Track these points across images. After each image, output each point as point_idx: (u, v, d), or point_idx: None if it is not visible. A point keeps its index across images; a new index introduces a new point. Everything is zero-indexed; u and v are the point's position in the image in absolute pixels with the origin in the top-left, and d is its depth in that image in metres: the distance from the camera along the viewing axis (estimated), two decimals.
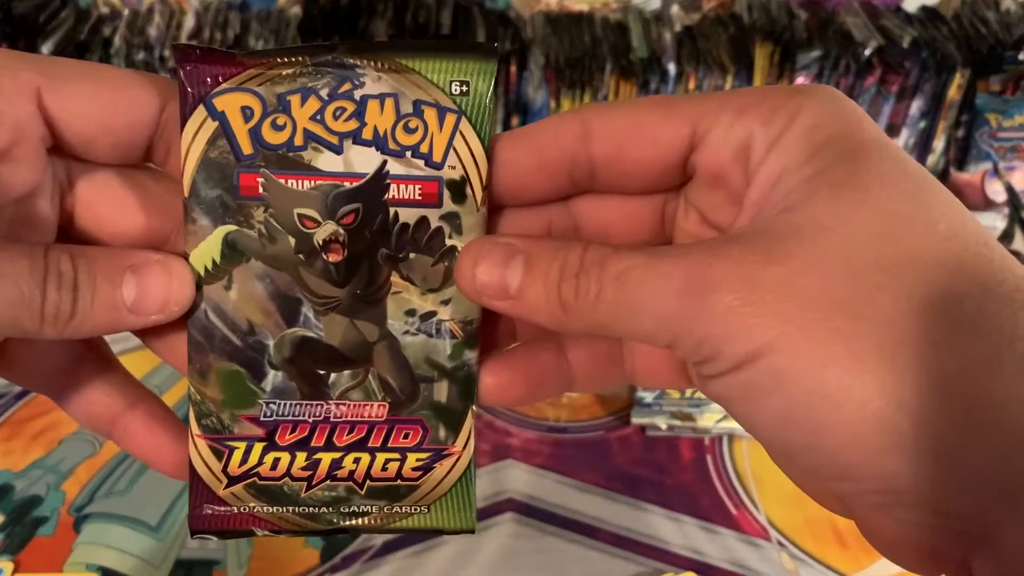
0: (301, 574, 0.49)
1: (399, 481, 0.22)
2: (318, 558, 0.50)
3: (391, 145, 0.20)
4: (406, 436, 0.22)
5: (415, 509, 0.22)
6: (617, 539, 0.51)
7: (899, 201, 0.16)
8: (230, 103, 0.19)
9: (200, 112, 0.19)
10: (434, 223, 0.21)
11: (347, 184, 0.20)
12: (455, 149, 0.20)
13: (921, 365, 0.15)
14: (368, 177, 0.20)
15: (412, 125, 0.20)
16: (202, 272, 0.20)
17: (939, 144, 0.75)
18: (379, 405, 0.22)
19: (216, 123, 0.19)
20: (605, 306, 0.18)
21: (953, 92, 0.72)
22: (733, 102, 0.18)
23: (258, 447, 0.22)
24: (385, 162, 0.20)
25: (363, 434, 0.22)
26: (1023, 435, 0.15)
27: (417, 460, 0.22)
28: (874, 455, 0.15)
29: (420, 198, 0.20)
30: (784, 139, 0.17)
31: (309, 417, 0.22)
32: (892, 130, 0.74)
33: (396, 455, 0.22)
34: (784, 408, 0.16)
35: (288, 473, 0.22)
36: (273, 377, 0.21)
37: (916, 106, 0.73)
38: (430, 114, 0.20)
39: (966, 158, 0.75)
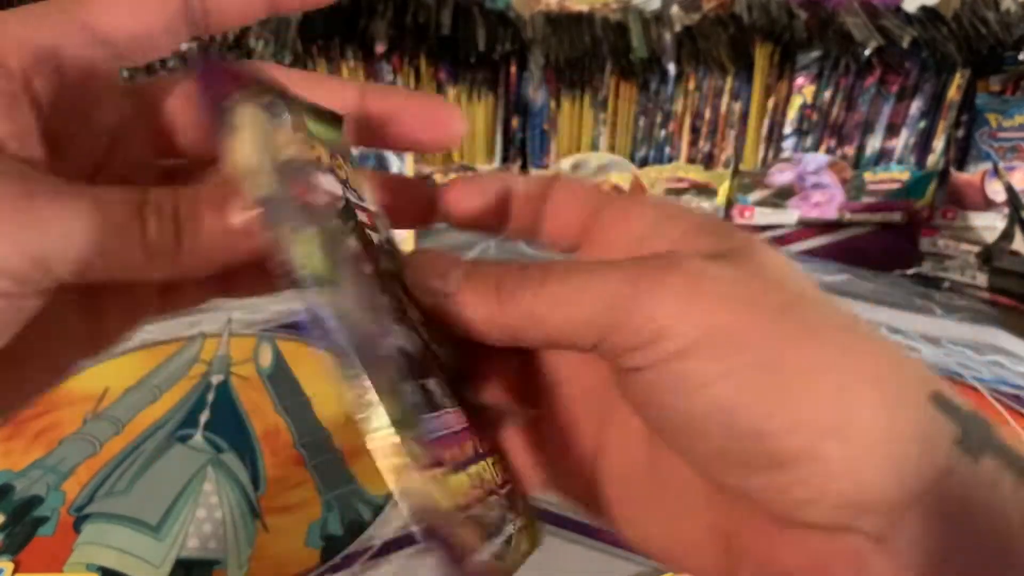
0: (301, 574, 0.49)
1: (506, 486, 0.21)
2: (318, 558, 0.50)
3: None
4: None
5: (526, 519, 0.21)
6: (618, 539, 0.51)
7: (786, 261, 0.19)
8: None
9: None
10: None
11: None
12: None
13: (853, 363, 0.17)
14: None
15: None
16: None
17: (939, 144, 0.75)
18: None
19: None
20: (549, 297, 0.18)
21: (953, 92, 0.72)
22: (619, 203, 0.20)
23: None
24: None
25: (469, 439, 0.20)
26: (925, 416, 0.17)
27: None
28: (813, 439, 0.16)
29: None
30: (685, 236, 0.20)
31: (453, 427, 0.19)
32: (892, 130, 0.74)
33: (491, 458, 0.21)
34: (721, 396, 0.17)
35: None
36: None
37: (916, 106, 0.73)
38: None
39: (966, 158, 0.75)
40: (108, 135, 0.20)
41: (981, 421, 0.17)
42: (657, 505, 0.21)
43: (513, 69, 0.72)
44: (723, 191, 0.77)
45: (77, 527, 0.51)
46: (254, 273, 0.19)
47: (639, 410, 0.19)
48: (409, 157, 0.75)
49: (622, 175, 0.76)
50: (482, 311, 0.19)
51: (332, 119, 0.21)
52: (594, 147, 0.76)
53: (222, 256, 0.18)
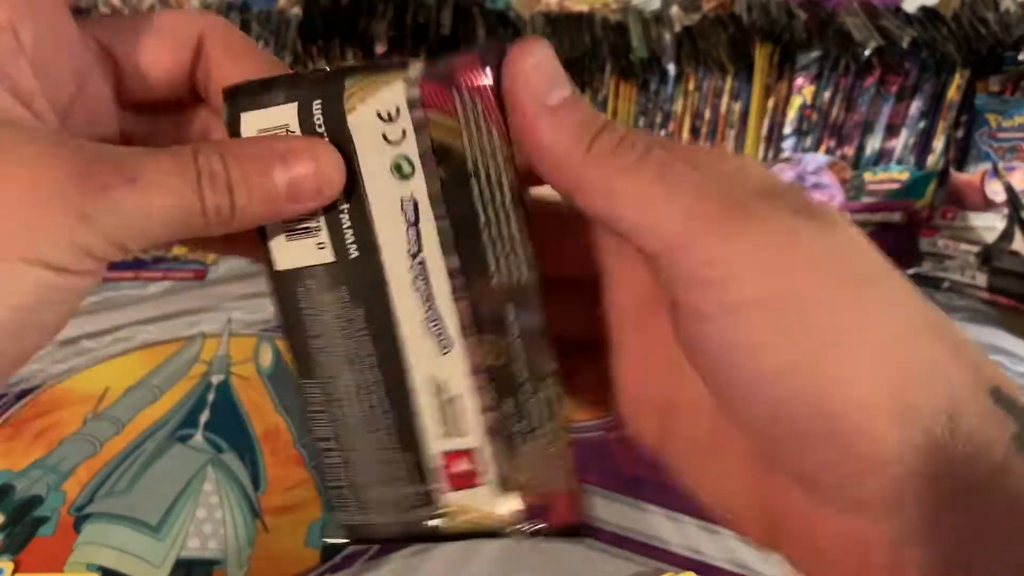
0: (302, 574, 0.49)
1: None
2: (318, 558, 0.50)
3: None
4: None
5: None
6: (617, 539, 0.51)
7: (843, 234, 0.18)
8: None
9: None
10: None
11: None
12: None
13: (918, 348, 0.17)
14: None
15: None
16: None
17: (939, 144, 0.76)
18: None
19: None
20: (634, 177, 0.17)
21: (952, 92, 0.73)
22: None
23: None
24: None
25: None
26: (985, 409, 0.16)
27: None
28: (870, 420, 0.16)
29: None
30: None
31: None
32: (892, 130, 0.74)
33: None
34: (791, 359, 0.16)
35: None
36: None
37: (916, 106, 0.73)
38: None
39: (966, 158, 0.76)
40: (75, 80, 0.20)
41: None
42: (713, 467, 0.21)
43: None
44: None
45: (77, 527, 0.51)
46: None
47: (695, 363, 0.19)
48: None
49: None
50: (562, 155, 0.18)
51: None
52: None
53: (269, 214, 0.19)
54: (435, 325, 0.20)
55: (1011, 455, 0.16)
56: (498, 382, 0.20)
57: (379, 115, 0.19)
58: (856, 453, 0.17)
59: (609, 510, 0.53)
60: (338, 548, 0.50)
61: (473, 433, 0.21)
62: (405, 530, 0.22)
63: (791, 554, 0.19)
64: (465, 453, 0.21)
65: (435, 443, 0.21)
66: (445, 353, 0.20)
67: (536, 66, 0.18)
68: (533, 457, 0.21)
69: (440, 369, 0.21)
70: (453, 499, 0.21)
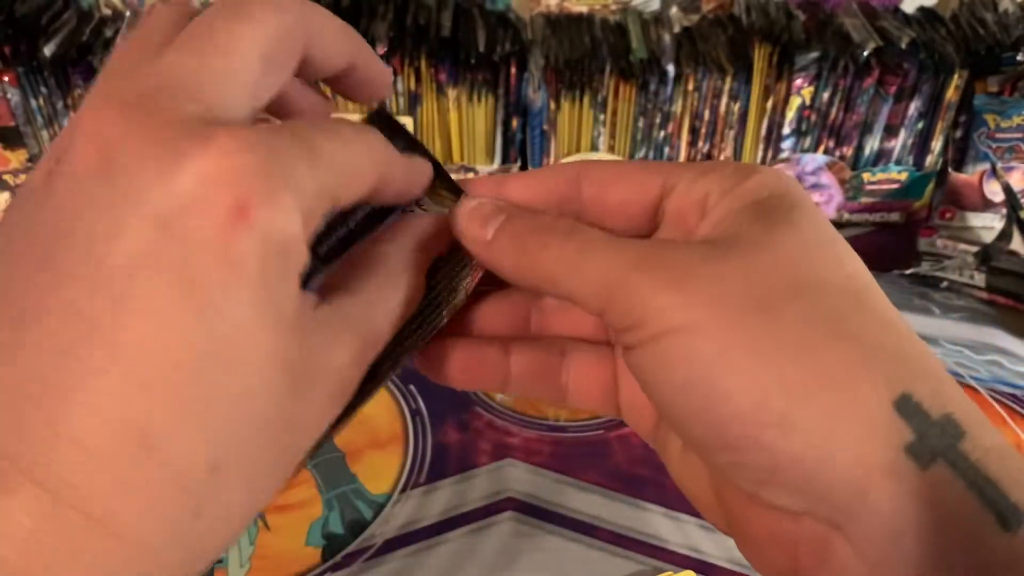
0: (302, 573, 0.49)
1: None
2: (319, 557, 0.50)
3: None
4: None
5: None
6: (616, 537, 0.52)
7: (817, 242, 0.20)
8: None
9: None
10: None
11: None
12: None
13: (808, 361, 0.18)
14: None
15: None
16: None
17: (937, 145, 0.76)
18: None
19: None
20: (562, 262, 0.20)
21: (951, 93, 0.73)
22: (698, 166, 0.22)
23: None
24: None
25: None
26: (879, 418, 0.17)
27: None
28: (756, 429, 0.18)
29: None
30: (734, 192, 0.21)
31: None
32: (890, 131, 0.75)
33: None
34: (687, 379, 0.19)
35: None
36: None
37: (914, 107, 0.73)
38: None
39: (964, 159, 0.76)
40: None
41: (950, 429, 0.17)
42: (679, 460, 0.23)
43: (513, 70, 0.72)
44: None
45: None
46: None
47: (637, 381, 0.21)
48: None
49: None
50: (508, 262, 0.22)
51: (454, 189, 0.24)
52: (594, 148, 0.76)
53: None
54: None
55: (900, 463, 0.17)
56: None
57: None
58: (751, 461, 0.18)
59: (608, 509, 0.53)
60: (339, 547, 0.51)
61: None
62: None
63: (740, 548, 0.21)
64: None
65: None
66: None
67: (469, 215, 0.22)
68: None
69: None
70: None
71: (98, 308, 0.15)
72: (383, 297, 0.21)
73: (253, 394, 0.17)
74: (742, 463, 0.19)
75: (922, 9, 0.80)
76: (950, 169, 0.76)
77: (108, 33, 0.74)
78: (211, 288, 0.16)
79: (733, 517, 0.21)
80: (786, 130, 0.75)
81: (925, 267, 0.72)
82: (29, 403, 0.15)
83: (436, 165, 0.24)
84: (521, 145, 0.77)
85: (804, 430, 0.17)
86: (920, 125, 0.75)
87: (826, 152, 0.76)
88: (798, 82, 0.72)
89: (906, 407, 0.17)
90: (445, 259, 0.24)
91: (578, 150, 0.76)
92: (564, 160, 0.76)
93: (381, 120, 0.24)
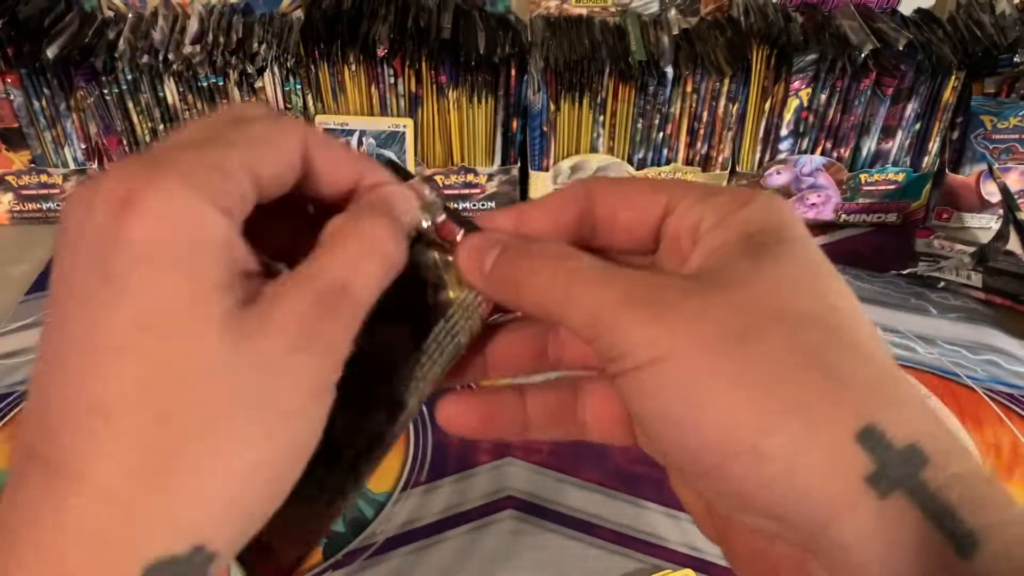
0: (304, 571, 0.50)
1: None
2: (320, 555, 0.51)
3: None
4: None
5: None
6: (616, 536, 0.52)
7: (800, 276, 0.20)
8: None
9: None
10: None
11: None
12: None
13: (778, 393, 0.18)
14: None
15: None
16: None
17: (934, 146, 0.76)
18: None
19: None
20: (554, 291, 0.21)
21: (948, 94, 0.73)
22: (700, 190, 0.22)
23: None
24: None
25: None
26: (842, 449, 0.18)
27: None
28: (726, 459, 0.19)
29: None
30: (726, 222, 0.21)
31: None
32: (888, 132, 0.75)
33: None
34: (663, 409, 0.20)
35: None
36: None
37: (911, 108, 0.74)
38: None
39: (961, 160, 0.76)
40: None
41: (913, 458, 0.18)
42: (676, 474, 0.24)
43: (513, 72, 0.73)
44: None
45: None
46: None
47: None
48: (410, 160, 0.75)
49: (620, 177, 0.76)
50: (504, 294, 0.23)
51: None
52: (593, 149, 0.76)
53: None
54: None
55: (861, 493, 0.18)
56: (326, 450, 0.22)
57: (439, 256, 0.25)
58: (723, 488, 0.20)
59: (607, 507, 0.53)
60: (340, 545, 0.51)
61: None
62: None
63: (728, 561, 0.22)
64: None
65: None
66: None
67: (468, 250, 0.24)
68: (296, 512, 0.22)
69: None
70: None
71: (67, 312, 0.18)
72: (334, 252, 0.21)
73: (195, 353, 0.18)
74: (716, 489, 0.20)
75: (919, 11, 0.80)
76: (947, 170, 0.77)
77: (110, 35, 0.74)
78: (119, 270, 0.18)
79: (720, 533, 0.22)
80: (784, 131, 0.76)
81: (922, 267, 0.73)
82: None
83: (448, 210, 0.25)
84: (521, 146, 0.77)
85: (771, 460, 0.18)
86: (917, 126, 0.75)
87: (824, 153, 0.77)
88: (796, 84, 0.73)
89: (869, 438, 0.18)
90: (459, 288, 0.24)
91: (577, 151, 0.76)
92: (563, 162, 0.76)
93: (390, 166, 0.24)
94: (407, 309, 0.24)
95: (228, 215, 0.19)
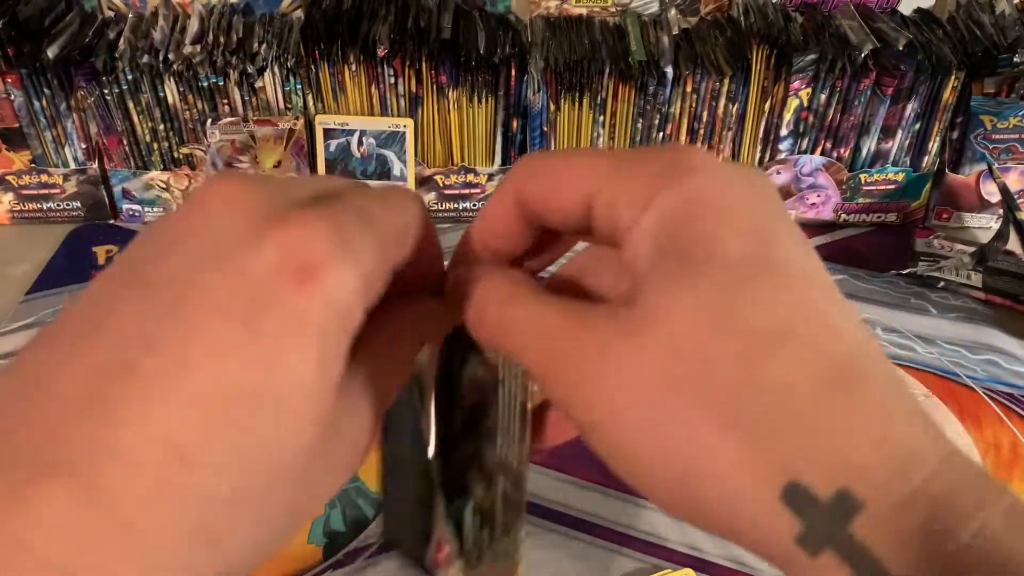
0: (304, 570, 0.50)
1: None
2: (321, 554, 0.51)
3: None
4: None
5: None
6: (615, 535, 0.52)
7: (722, 291, 0.18)
8: None
9: None
10: None
11: None
12: None
13: (702, 457, 0.18)
14: None
15: None
16: None
17: (934, 146, 0.76)
18: None
19: None
20: (500, 336, 0.22)
21: (948, 94, 0.73)
22: (615, 176, 0.21)
23: None
24: None
25: None
26: (769, 512, 0.18)
27: None
28: (674, 512, 0.19)
29: None
30: (638, 227, 0.20)
31: None
32: (888, 132, 0.75)
33: None
34: (613, 462, 0.20)
35: None
36: None
37: (911, 108, 0.74)
38: None
39: (961, 159, 0.76)
40: None
41: (840, 509, 0.17)
42: None
43: (513, 72, 0.73)
44: None
45: None
46: None
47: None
48: (410, 160, 0.75)
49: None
50: (472, 323, 0.23)
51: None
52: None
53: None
54: None
55: (791, 555, 0.18)
56: (483, 516, 0.27)
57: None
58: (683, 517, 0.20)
59: (607, 506, 0.54)
60: (340, 545, 0.51)
61: (460, 537, 0.27)
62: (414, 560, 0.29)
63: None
64: (448, 545, 0.27)
65: (437, 530, 0.27)
66: None
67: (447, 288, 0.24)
68: (489, 572, 0.27)
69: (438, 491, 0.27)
70: (435, 567, 0.28)
71: (166, 333, 0.17)
72: (395, 358, 0.22)
73: (287, 442, 0.18)
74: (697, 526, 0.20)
75: (919, 11, 0.80)
76: (947, 170, 0.77)
77: (111, 35, 0.74)
78: (274, 339, 0.17)
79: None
80: (784, 131, 0.76)
81: (922, 267, 0.73)
82: (75, 411, 0.16)
83: None
84: (521, 146, 0.77)
85: (712, 517, 0.19)
86: (917, 126, 0.75)
87: (823, 153, 0.77)
88: (796, 84, 0.73)
89: (793, 496, 0.17)
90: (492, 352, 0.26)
91: None
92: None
93: None
94: (473, 399, 0.26)
95: (365, 313, 0.19)
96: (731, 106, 0.74)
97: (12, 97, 0.72)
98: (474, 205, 0.78)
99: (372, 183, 0.23)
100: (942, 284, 0.72)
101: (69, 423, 0.16)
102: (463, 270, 0.23)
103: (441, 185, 0.77)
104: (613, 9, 0.85)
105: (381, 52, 0.71)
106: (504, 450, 0.26)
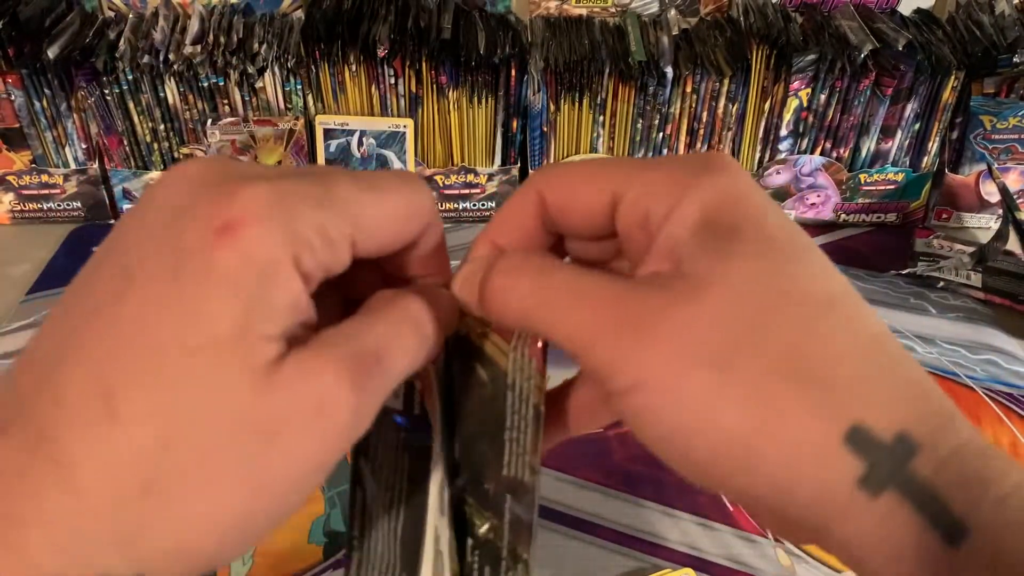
0: (304, 570, 0.50)
1: None
2: (321, 554, 0.51)
3: None
4: None
5: None
6: (616, 535, 0.52)
7: (767, 266, 0.20)
8: None
9: None
10: None
11: None
12: None
13: (761, 410, 0.18)
14: None
15: None
16: None
17: (934, 146, 0.76)
18: None
19: None
20: (534, 310, 0.21)
21: (947, 95, 0.73)
22: (642, 174, 0.22)
23: None
24: None
25: None
26: (831, 456, 0.18)
27: None
28: (724, 477, 0.19)
29: None
30: (677, 213, 0.20)
31: None
32: (887, 132, 0.75)
33: None
34: (653, 431, 0.20)
35: None
36: None
37: (911, 108, 0.74)
38: None
39: (960, 160, 0.76)
40: None
41: (901, 450, 0.18)
42: None
43: (513, 72, 0.73)
44: None
45: None
46: None
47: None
48: (411, 160, 0.76)
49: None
50: (501, 319, 0.23)
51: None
52: (592, 149, 0.77)
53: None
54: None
55: (851, 498, 0.18)
56: (484, 551, 0.24)
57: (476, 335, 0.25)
58: (734, 498, 0.20)
59: (607, 506, 0.54)
60: (340, 544, 0.51)
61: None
62: None
63: None
64: None
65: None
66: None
67: (458, 284, 0.24)
68: None
69: (444, 526, 0.25)
70: None
71: (109, 296, 0.18)
72: (375, 322, 0.21)
73: (218, 388, 0.18)
74: (724, 493, 0.20)
75: (919, 11, 0.81)
76: (946, 170, 0.77)
77: (111, 35, 0.75)
78: (194, 289, 0.18)
79: None
80: (783, 131, 0.76)
81: (921, 267, 0.73)
82: (38, 372, 0.18)
83: None
84: (521, 146, 0.77)
85: (765, 475, 0.19)
86: (917, 126, 0.75)
87: (823, 153, 0.77)
88: (795, 84, 0.73)
89: (856, 439, 0.18)
90: (504, 355, 0.25)
91: (577, 151, 0.77)
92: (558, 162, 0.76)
93: None
94: (479, 402, 0.25)
95: (307, 280, 0.19)
96: (731, 106, 0.74)
97: (12, 97, 0.72)
98: (474, 205, 0.78)
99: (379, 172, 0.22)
100: (942, 284, 0.72)
101: (31, 383, 0.18)
102: (480, 257, 0.23)
103: (441, 185, 0.77)
104: (613, 9, 0.85)
105: (381, 52, 0.71)
106: (514, 465, 0.24)
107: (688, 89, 0.73)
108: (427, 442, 0.25)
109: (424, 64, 0.72)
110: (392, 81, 0.73)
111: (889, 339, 0.20)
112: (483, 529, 0.24)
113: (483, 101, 0.73)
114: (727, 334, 0.19)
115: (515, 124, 0.75)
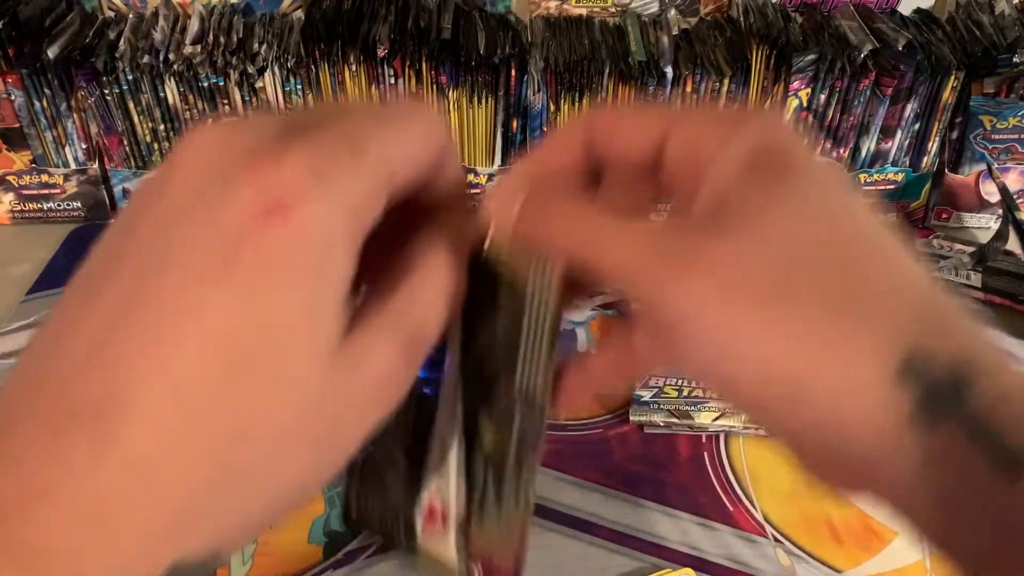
0: (304, 570, 0.50)
1: None
2: (321, 554, 0.51)
3: None
4: None
5: None
6: (615, 535, 0.52)
7: (817, 201, 0.20)
8: None
9: None
10: None
11: None
12: None
13: (813, 339, 0.18)
14: None
15: None
16: None
17: (933, 146, 0.76)
18: None
19: None
20: (580, 240, 0.21)
21: (947, 95, 0.73)
22: (691, 118, 0.22)
23: None
24: None
25: None
26: (884, 387, 0.18)
27: None
28: (771, 408, 0.19)
29: None
30: (726, 151, 0.20)
31: None
32: (887, 132, 0.75)
33: None
34: (701, 360, 0.20)
35: None
36: None
37: (911, 108, 0.74)
38: None
39: (960, 160, 0.76)
40: None
41: (957, 381, 0.18)
42: None
43: (513, 72, 0.73)
44: None
45: None
46: None
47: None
48: None
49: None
50: (538, 242, 0.23)
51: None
52: None
53: None
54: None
55: (904, 432, 0.18)
56: (489, 467, 0.24)
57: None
58: (780, 434, 0.20)
59: (607, 507, 0.54)
60: (340, 544, 0.51)
61: (455, 498, 0.25)
62: (388, 538, 0.26)
63: None
64: (442, 508, 0.25)
65: (426, 491, 0.25)
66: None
67: (495, 202, 0.23)
68: (495, 532, 0.25)
69: (452, 435, 0.24)
70: (425, 535, 0.25)
71: (153, 289, 0.17)
72: (422, 291, 0.21)
73: (284, 376, 0.17)
74: (762, 425, 0.20)
75: (919, 11, 0.81)
76: (946, 170, 0.77)
77: (111, 35, 0.75)
78: (251, 278, 0.17)
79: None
80: None
81: None
82: (90, 364, 0.17)
83: None
84: (521, 146, 0.77)
85: (814, 407, 0.18)
86: (916, 126, 0.75)
87: (823, 153, 0.77)
88: (795, 84, 0.73)
89: (910, 369, 0.18)
90: (525, 274, 0.24)
91: None
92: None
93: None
94: (495, 316, 0.24)
95: (356, 243, 0.19)
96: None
97: (12, 97, 0.72)
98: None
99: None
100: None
101: (87, 375, 0.17)
102: (518, 180, 0.23)
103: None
104: (613, 9, 0.85)
105: (381, 52, 0.71)
106: (527, 378, 0.24)
107: (688, 89, 0.73)
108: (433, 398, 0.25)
109: (424, 64, 0.72)
110: (392, 81, 0.73)
111: (939, 282, 0.20)
112: (489, 442, 0.24)
113: (483, 101, 0.73)
114: (776, 269, 0.19)
115: (515, 124, 0.76)
